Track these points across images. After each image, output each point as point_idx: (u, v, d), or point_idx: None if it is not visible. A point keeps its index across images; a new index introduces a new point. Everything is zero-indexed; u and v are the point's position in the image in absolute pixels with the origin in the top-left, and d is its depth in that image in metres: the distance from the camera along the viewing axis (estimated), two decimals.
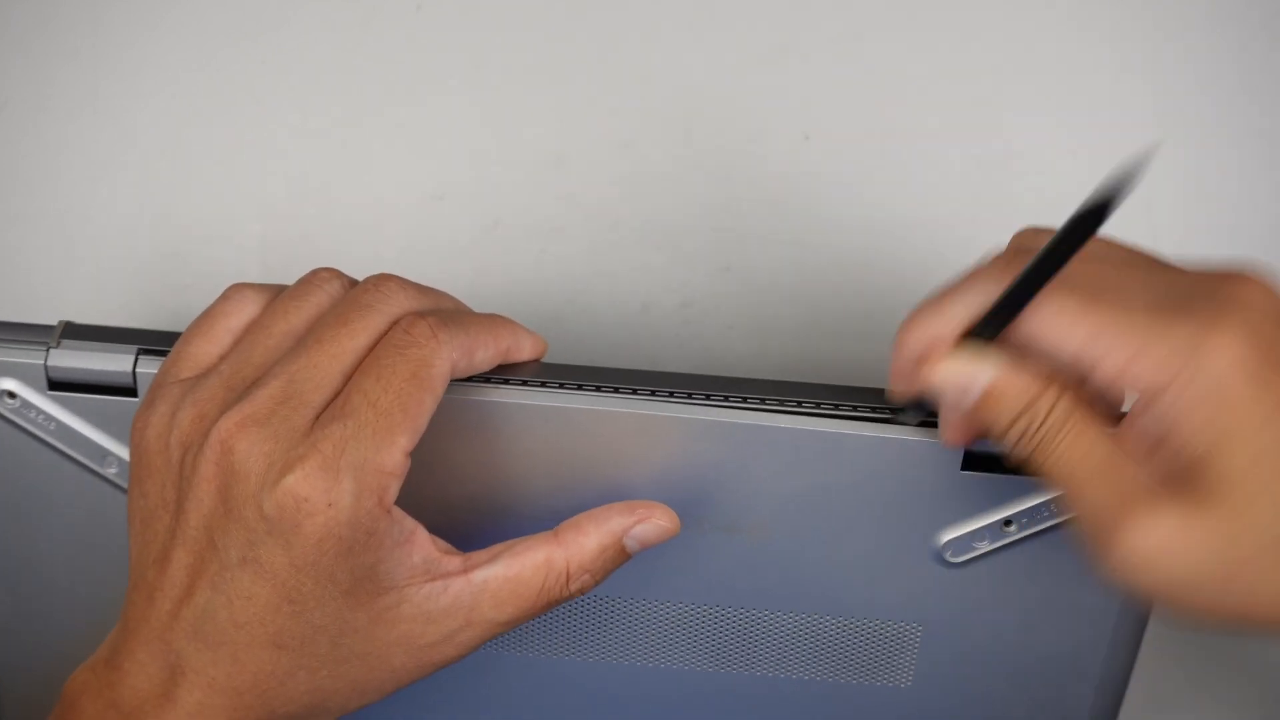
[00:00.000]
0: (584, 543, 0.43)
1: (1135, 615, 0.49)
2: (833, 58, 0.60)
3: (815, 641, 0.49)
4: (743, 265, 0.62)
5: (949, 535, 0.47)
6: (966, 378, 0.41)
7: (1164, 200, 0.62)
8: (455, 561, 0.42)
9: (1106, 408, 0.41)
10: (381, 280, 0.44)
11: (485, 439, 0.45)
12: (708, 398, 0.45)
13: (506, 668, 0.50)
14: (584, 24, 0.59)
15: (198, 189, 0.61)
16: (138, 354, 0.45)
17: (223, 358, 0.43)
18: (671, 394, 0.45)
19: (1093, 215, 0.39)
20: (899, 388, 0.43)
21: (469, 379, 0.44)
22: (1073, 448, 0.40)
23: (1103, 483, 0.39)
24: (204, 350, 0.44)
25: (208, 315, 0.44)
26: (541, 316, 0.62)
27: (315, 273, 0.45)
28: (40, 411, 0.45)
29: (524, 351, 0.46)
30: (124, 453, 0.46)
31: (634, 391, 0.45)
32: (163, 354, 0.45)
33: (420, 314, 0.42)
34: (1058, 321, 0.40)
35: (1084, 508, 0.40)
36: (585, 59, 0.60)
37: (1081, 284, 0.40)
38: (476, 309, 0.47)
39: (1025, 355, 0.41)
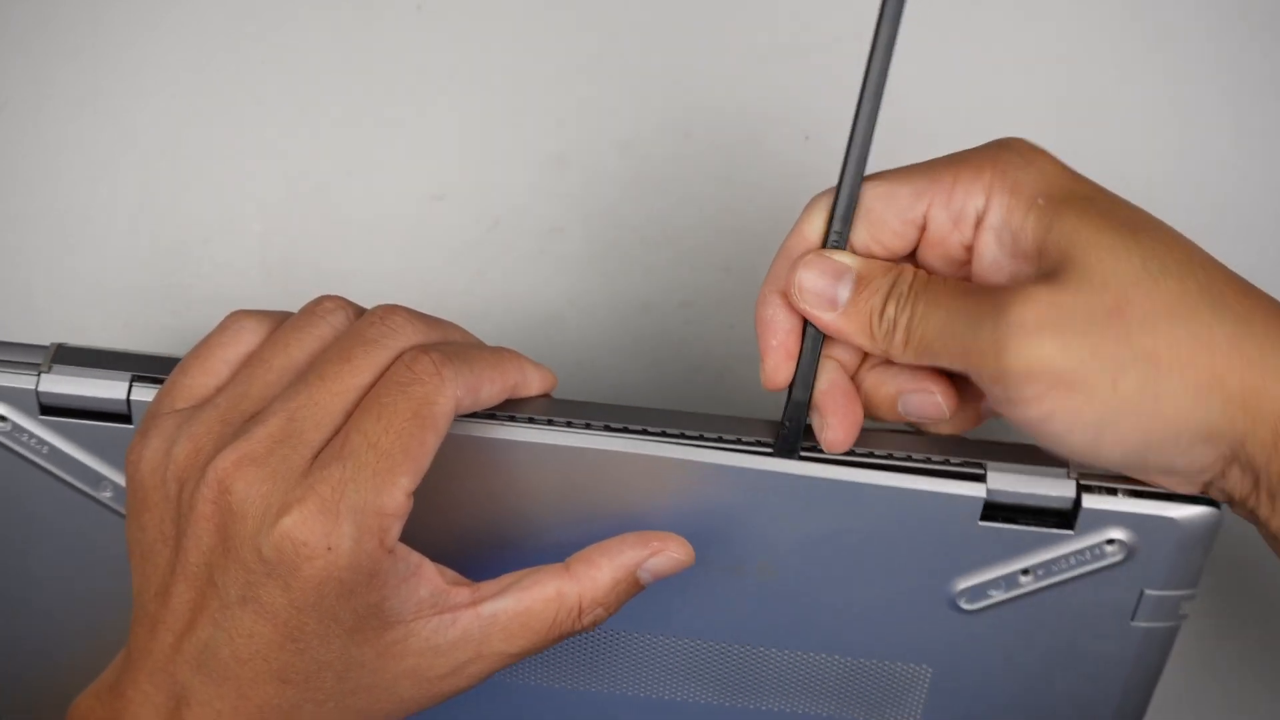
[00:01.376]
0: (596, 576, 0.43)
1: (1149, 667, 0.48)
2: (833, 58, 0.60)
3: (824, 679, 0.49)
4: (743, 265, 0.62)
5: (964, 583, 0.46)
6: (835, 272, 0.43)
7: (1165, 202, 0.62)
8: (464, 593, 0.42)
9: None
10: (388, 313, 0.43)
11: (491, 475, 0.44)
12: (719, 439, 0.44)
13: (513, 696, 0.50)
14: (584, 24, 0.59)
15: (197, 189, 0.61)
16: (131, 380, 0.44)
17: (219, 390, 0.42)
18: (683, 434, 0.44)
19: (879, 76, 0.42)
20: (770, 355, 0.44)
21: (476, 414, 0.44)
22: (941, 291, 0.42)
23: (975, 302, 0.41)
24: (200, 383, 0.43)
25: (205, 345, 0.44)
26: (541, 316, 0.62)
27: (319, 302, 0.44)
28: (33, 436, 0.45)
29: (531, 387, 0.45)
30: (118, 477, 0.45)
31: (644, 431, 0.44)
32: (157, 381, 0.44)
33: (424, 349, 0.42)
34: (881, 196, 0.43)
35: (966, 333, 0.41)
36: (585, 59, 0.60)
37: (886, 171, 0.44)
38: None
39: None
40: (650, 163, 0.61)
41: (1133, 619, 0.47)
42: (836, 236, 0.43)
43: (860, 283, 0.43)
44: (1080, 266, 0.40)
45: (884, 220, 0.43)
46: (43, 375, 0.44)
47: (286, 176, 0.61)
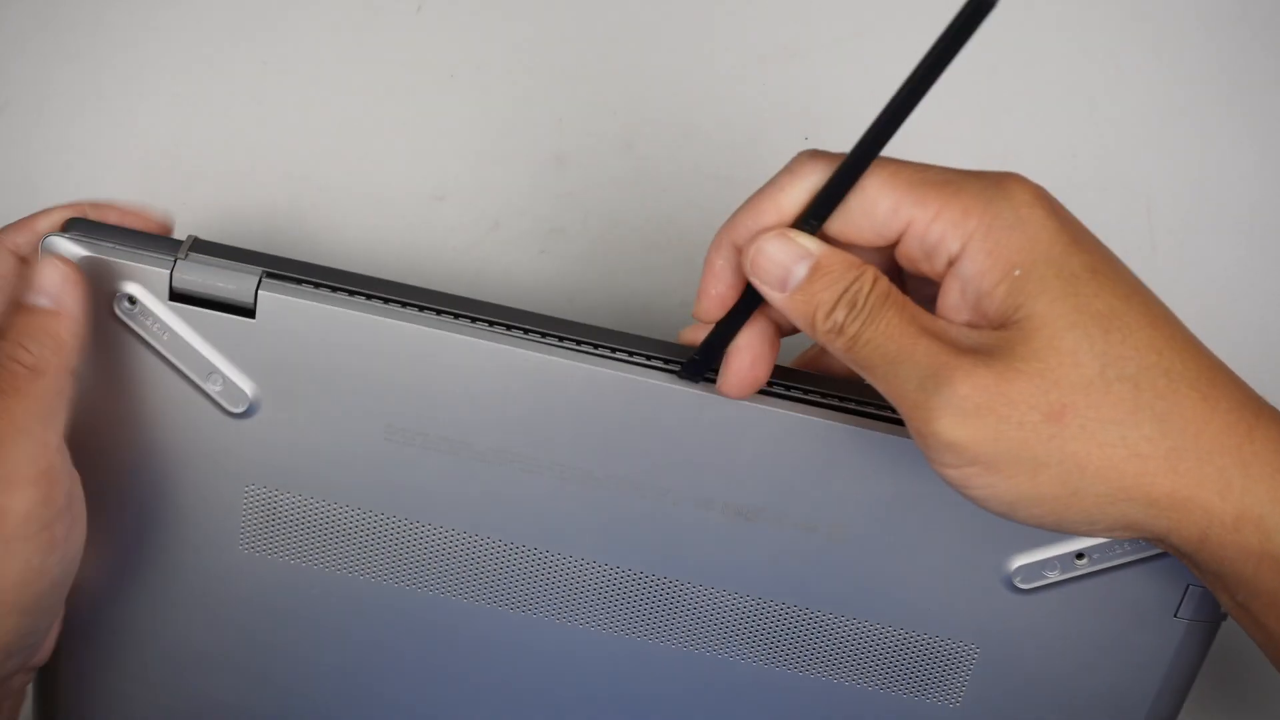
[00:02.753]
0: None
1: (1188, 663, 0.49)
2: (833, 58, 0.60)
3: (872, 649, 0.49)
4: None
5: (1021, 561, 0.47)
6: (795, 255, 0.41)
7: (1165, 202, 0.62)
8: None
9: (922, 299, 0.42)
10: None
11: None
12: (805, 393, 0.45)
13: (551, 637, 0.49)
14: (584, 24, 0.59)
15: (198, 189, 0.61)
16: (262, 276, 0.44)
17: None
18: (770, 385, 0.44)
19: (912, 91, 0.40)
20: (706, 299, 0.43)
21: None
22: (896, 320, 0.40)
23: (926, 350, 0.39)
24: None
25: None
26: None
27: None
28: (157, 319, 0.45)
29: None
30: (230, 370, 0.45)
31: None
32: (288, 279, 0.44)
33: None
34: (861, 201, 0.41)
35: (907, 380, 0.39)
36: (585, 59, 0.60)
37: (884, 164, 0.41)
38: None
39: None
40: (650, 163, 0.61)
41: (1176, 613, 0.47)
42: (809, 226, 0.41)
43: (817, 271, 0.41)
44: (1035, 359, 0.39)
45: (858, 223, 0.41)
46: (179, 261, 0.44)
47: (286, 177, 0.61)
